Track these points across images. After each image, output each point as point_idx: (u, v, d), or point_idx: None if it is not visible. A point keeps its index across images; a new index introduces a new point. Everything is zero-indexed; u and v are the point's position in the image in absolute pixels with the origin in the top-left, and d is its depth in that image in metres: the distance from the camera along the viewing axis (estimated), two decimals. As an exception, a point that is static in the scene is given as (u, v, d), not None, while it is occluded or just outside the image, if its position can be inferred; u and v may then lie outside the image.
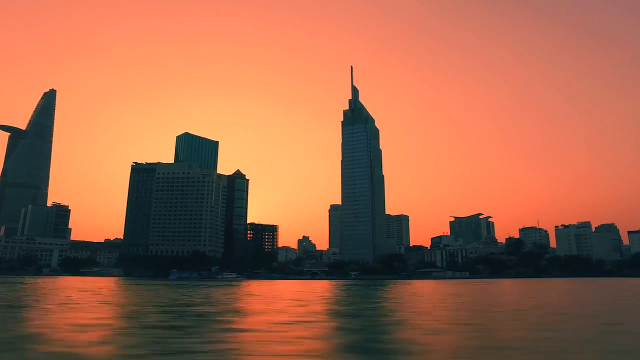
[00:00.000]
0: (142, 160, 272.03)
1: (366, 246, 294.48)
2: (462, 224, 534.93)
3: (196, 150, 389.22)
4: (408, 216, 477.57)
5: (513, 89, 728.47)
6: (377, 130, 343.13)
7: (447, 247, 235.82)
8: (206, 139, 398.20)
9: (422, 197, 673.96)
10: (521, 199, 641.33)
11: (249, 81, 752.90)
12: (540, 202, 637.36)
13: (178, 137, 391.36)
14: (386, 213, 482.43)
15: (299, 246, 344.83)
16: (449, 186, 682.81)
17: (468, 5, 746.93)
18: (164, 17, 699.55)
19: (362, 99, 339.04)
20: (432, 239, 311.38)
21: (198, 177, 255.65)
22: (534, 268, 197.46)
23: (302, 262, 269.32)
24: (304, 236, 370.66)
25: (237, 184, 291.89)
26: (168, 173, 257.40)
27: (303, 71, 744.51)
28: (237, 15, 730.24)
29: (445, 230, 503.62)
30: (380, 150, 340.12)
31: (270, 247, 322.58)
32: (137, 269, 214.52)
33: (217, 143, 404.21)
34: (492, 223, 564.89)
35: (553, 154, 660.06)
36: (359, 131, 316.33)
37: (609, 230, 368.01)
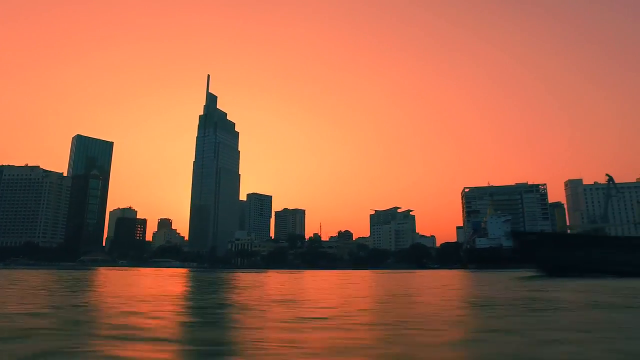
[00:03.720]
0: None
1: (206, 238, 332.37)
2: (380, 217, 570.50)
3: (90, 151, 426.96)
4: (304, 210, 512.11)
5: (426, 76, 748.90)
6: (237, 133, 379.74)
7: (237, 241, 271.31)
8: (100, 140, 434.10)
9: (340, 191, 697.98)
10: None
11: (131, 84, 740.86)
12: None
13: (73, 138, 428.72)
14: (284, 208, 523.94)
15: (164, 238, 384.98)
16: (373, 180, 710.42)
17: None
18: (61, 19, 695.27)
19: (223, 105, 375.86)
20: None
21: (39, 178, 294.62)
22: (274, 261, 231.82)
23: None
24: (169, 229, 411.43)
25: (92, 183, 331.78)
26: (13, 175, 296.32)
27: (171, 76, 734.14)
28: (119, 16, 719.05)
29: (365, 224, 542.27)
30: (239, 152, 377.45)
31: (140, 237, 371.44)
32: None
33: (112, 144, 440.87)
34: (414, 217, 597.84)
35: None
36: (209, 134, 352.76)
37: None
